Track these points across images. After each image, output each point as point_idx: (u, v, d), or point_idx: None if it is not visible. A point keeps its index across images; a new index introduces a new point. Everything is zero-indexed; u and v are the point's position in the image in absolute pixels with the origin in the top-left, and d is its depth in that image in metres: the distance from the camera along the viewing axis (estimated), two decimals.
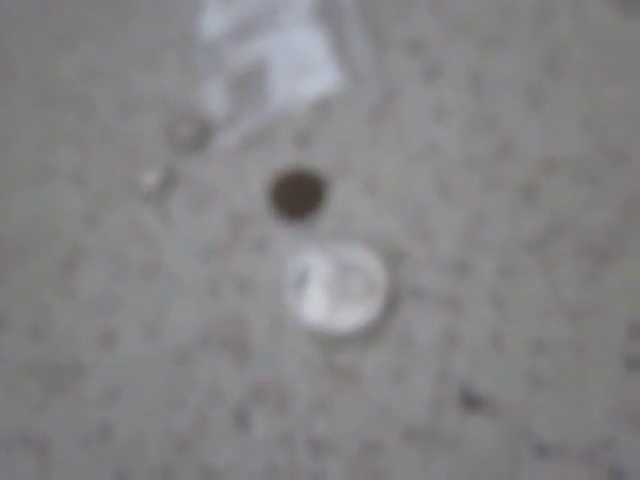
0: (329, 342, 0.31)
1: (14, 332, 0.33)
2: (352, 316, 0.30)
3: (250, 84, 0.37)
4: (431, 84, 0.36)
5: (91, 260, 0.34)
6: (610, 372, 0.29)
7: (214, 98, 0.37)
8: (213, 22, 0.40)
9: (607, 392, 0.29)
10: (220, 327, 0.31)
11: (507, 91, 0.35)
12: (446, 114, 0.35)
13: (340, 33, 0.37)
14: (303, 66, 0.36)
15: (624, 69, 0.34)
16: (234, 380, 0.30)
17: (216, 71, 0.38)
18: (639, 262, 0.31)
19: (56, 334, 0.33)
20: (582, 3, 0.36)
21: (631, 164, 0.32)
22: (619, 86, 0.34)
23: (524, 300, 0.31)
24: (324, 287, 0.31)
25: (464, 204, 0.33)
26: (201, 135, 0.36)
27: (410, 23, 0.37)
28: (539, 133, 0.34)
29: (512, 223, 0.32)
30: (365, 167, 0.34)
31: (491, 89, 0.35)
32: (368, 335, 0.31)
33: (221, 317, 0.32)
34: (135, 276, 0.34)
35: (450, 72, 0.36)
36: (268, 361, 0.31)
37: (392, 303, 0.31)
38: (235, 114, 0.36)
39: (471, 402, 0.29)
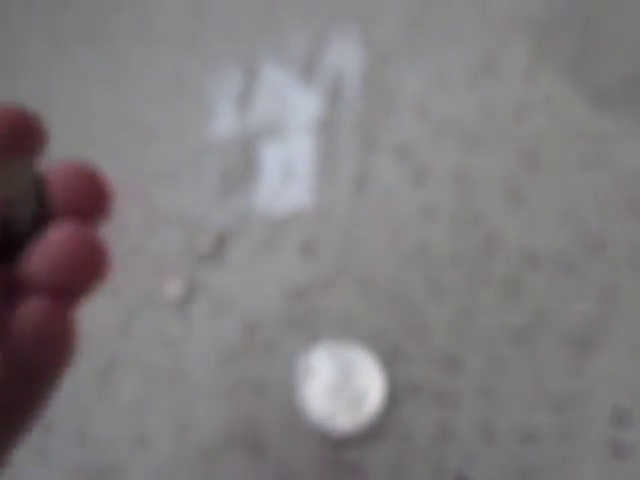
0: (334, 440, 0.34)
1: (61, 437, 0.38)
2: (354, 414, 0.33)
3: (240, 191, 0.41)
4: (419, 186, 0.39)
5: (126, 368, 0.39)
6: (596, 459, 0.31)
7: (223, 210, 0.41)
8: (223, 132, 0.44)
9: (594, 479, 0.31)
10: (238, 427, 0.35)
11: (489, 188, 0.38)
12: (434, 214, 0.38)
13: (334, 144, 0.41)
14: (288, 176, 0.40)
15: (597, 160, 0.37)
16: (251, 478, 0.34)
17: (220, 181, 0.42)
18: (620, 350, 0.33)
19: (97, 437, 0.37)
20: (556, 100, 0.39)
21: (607, 253, 0.35)
22: (593, 177, 0.36)
23: (512, 391, 0.33)
24: (328, 387, 0.34)
25: (453, 300, 0.35)
26: (217, 247, 0.40)
27: (398, 128, 0.40)
28: (520, 228, 0.36)
29: (498, 316, 0.35)
30: (362, 270, 0.37)
31: (475, 187, 0.38)
32: (369, 431, 0.33)
33: (239, 417, 0.35)
34: (164, 381, 0.37)
35: (436, 173, 0.39)
36: (282, 458, 0.34)
37: (390, 400, 0.34)
38: (240, 224, 0.40)
39: None
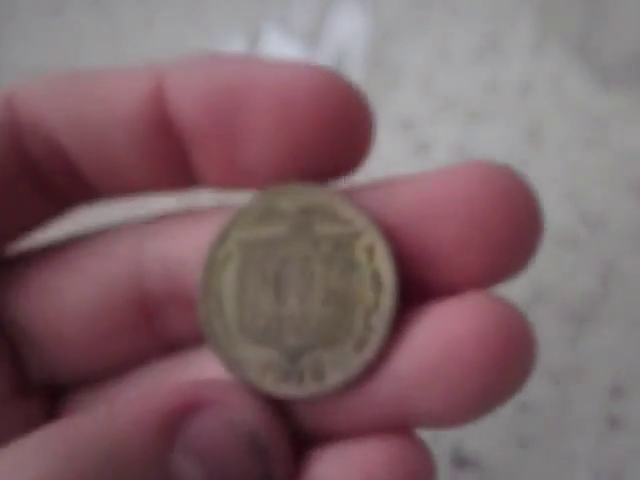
0: None
1: None
2: None
3: None
4: (421, 158, 0.38)
5: None
6: (593, 432, 0.31)
7: None
8: None
9: (591, 451, 0.31)
10: None
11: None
12: None
13: None
14: None
15: (601, 139, 0.37)
16: None
17: None
18: (618, 325, 0.33)
19: None
20: (562, 77, 0.39)
21: (609, 230, 0.35)
22: (597, 155, 0.36)
23: None
24: None
25: None
26: None
27: (401, 102, 0.40)
28: None
29: (499, 291, 0.34)
30: None
31: None
32: None
33: None
34: None
35: (439, 147, 0.39)
36: None
37: None
38: None
39: (461, 462, 0.31)
